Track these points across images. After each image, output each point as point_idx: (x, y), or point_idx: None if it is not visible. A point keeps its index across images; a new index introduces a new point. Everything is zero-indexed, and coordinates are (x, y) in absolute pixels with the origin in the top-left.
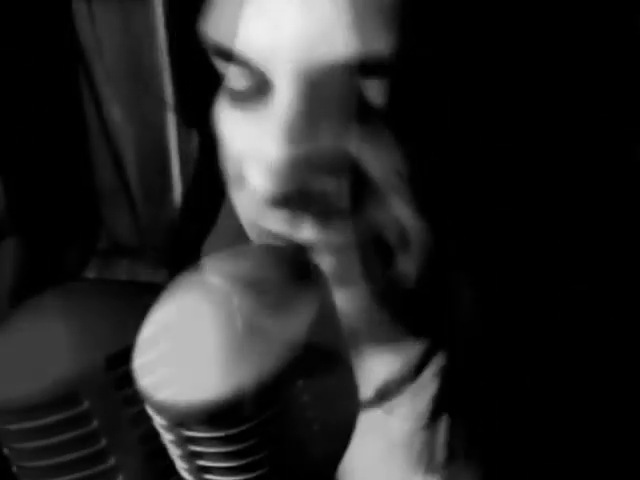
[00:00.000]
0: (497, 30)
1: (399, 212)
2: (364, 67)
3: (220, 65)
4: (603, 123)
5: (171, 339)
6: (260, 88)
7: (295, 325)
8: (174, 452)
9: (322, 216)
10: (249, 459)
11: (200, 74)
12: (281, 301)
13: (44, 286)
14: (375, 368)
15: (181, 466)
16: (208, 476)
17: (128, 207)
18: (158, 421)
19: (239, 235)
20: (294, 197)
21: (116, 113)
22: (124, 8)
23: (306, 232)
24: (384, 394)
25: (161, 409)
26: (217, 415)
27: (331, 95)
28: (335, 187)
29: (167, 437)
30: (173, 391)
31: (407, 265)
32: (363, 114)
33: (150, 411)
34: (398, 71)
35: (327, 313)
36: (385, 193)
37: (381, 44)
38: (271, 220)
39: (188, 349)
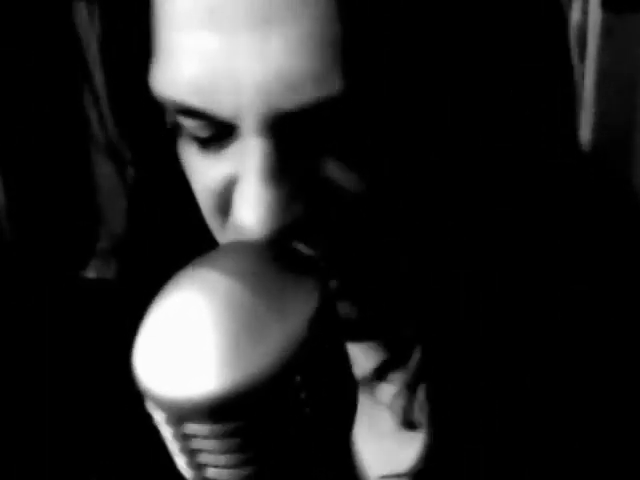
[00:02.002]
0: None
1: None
2: (320, 110)
3: (176, 117)
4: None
5: (170, 334)
6: (223, 133)
7: (294, 320)
8: (173, 447)
9: (312, 244)
10: (247, 454)
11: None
12: (280, 296)
13: (42, 286)
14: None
15: (180, 461)
16: (207, 471)
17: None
18: (157, 416)
19: None
20: (284, 233)
21: None
22: None
23: None
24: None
25: (160, 404)
26: (216, 410)
27: (296, 134)
28: (317, 216)
29: (166, 432)
30: (172, 386)
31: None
32: (329, 142)
33: (149, 406)
34: (351, 106)
35: (326, 308)
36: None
37: (334, 87)
38: None
39: (187, 344)
